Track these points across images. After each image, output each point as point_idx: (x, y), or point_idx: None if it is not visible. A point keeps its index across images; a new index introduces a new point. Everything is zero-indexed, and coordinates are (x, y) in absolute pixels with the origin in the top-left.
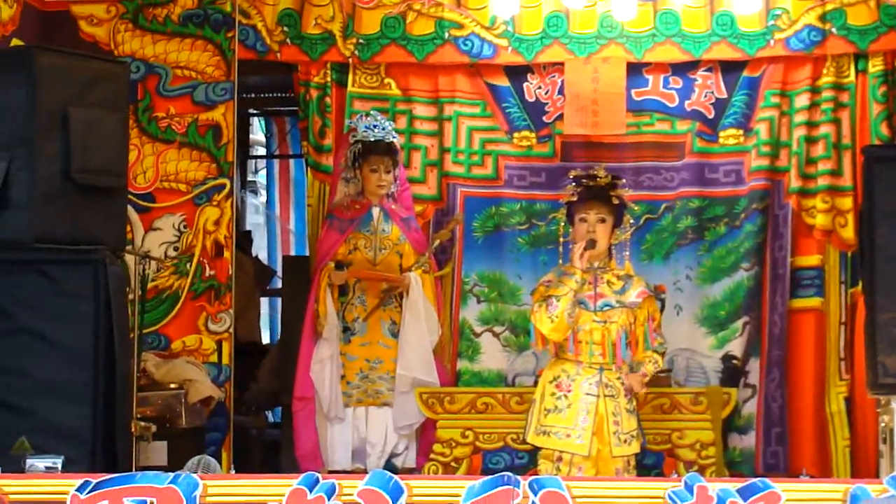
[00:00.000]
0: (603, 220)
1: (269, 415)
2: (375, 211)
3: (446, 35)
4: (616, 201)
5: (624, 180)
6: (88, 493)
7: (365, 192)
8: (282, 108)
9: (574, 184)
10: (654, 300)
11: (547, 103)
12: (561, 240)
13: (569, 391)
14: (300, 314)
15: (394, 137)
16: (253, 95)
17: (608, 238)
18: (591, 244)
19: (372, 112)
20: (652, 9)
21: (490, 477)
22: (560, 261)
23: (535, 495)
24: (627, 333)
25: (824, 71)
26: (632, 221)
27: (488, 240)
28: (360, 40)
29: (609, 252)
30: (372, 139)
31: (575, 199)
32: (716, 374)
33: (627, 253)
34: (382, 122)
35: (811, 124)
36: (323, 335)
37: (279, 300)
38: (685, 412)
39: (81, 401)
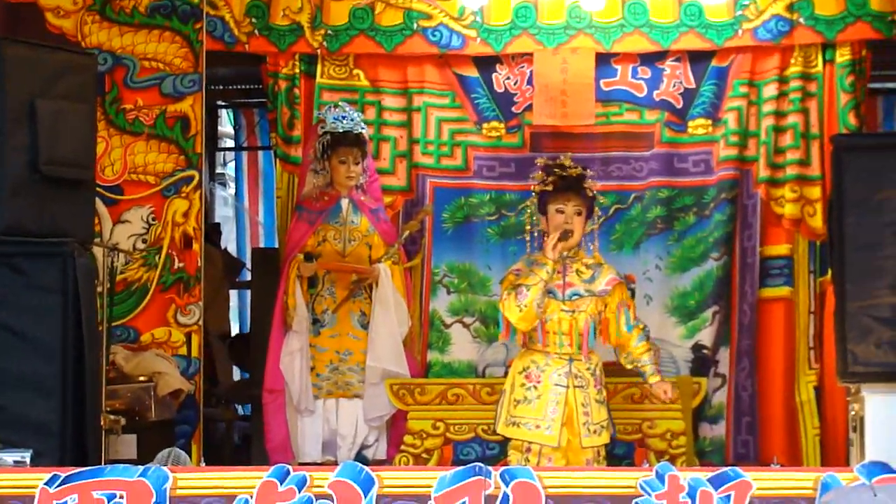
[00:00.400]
0: (580, 213)
1: (239, 407)
2: (344, 202)
3: (415, 26)
4: (591, 193)
5: (591, 171)
6: (58, 486)
7: (334, 183)
8: (250, 100)
9: (544, 173)
10: (625, 287)
11: (516, 94)
12: (528, 228)
13: (538, 382)
14: (269, 306)
15: (362, 128)
16: (221, 87)
17: (582, 229)
18: (566, 235)
19: (340, 103)
20: None
21: (461, 468)
22: (528, 249)
23: (507, 486)
24: (596, 322)
25: (792, 61)
26: (600, 213)
27: (458, 230)
28: (329, 31)
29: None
30: (340, 130)
31: (550, 189)
32: (686, 363)
33: (596, 244)
34: (351, 113)
35: (779, 114)
36: (293, 327)
37: (248, 293)
38: (655, 402)
39: (50, 394)
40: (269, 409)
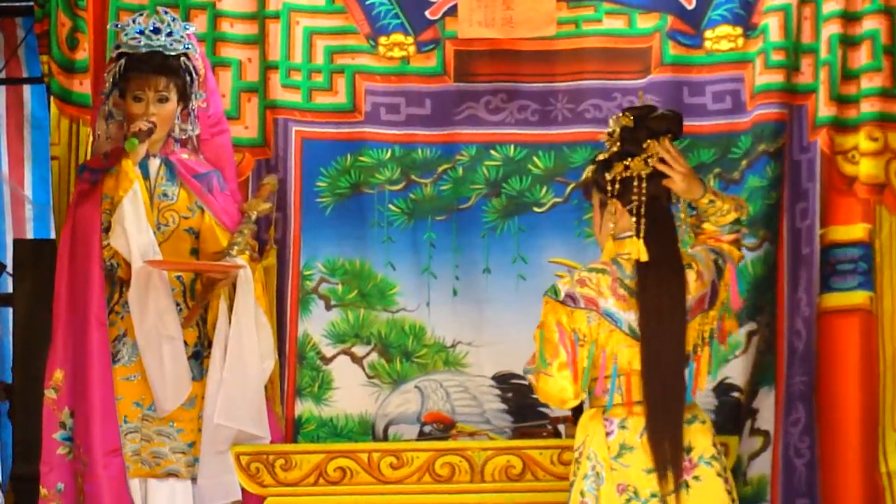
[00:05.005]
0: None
1: None
2: (153, 164)
3: None
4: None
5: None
6: None
7: None
8: (9, 4)
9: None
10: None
11: None
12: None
13: None
14: (45, 330)
15: (186, 48)
16: None
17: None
18: None
19: (157, 9)
20: None
21: None
22: None
23: None
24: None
25: None
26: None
27: (342, 209)
28: None
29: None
30: (142, 50)
31: None
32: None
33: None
34: (169, 24)
35: (850, 16)
36: (134, 263)
37: (9, 311)
38: None
39: None
40: (108, 480)
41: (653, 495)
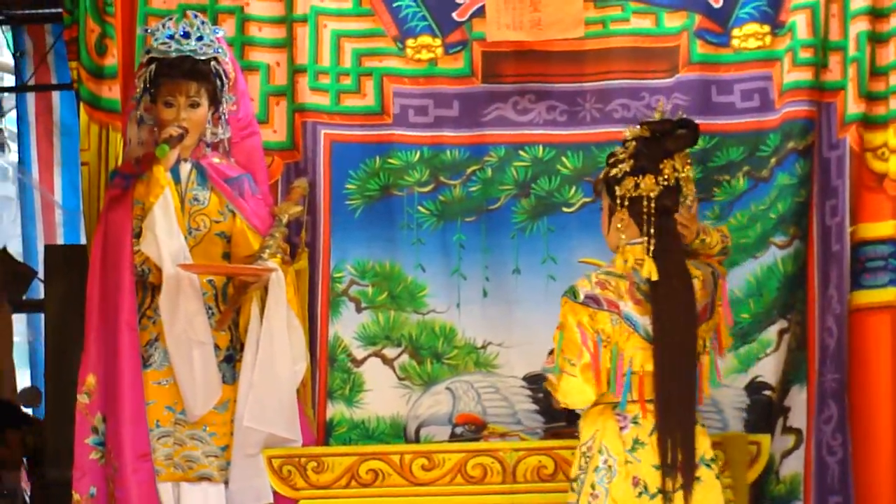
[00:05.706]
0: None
1: None
2: (184, 168)
3: None
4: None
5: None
6: None
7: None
8: (38, 12)
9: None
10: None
11: None
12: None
13: None
14: (77, 336)
15: (217, 51)
16: None
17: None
18: None
19: (189, 14)
20: None
21: None
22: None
23: None
24: None
25: None
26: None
27: (371, 211)
28: None
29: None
30: (172, 55)
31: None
32: (737, 412)
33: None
34: (199, 28)
35: (877, 13)
36: (165, 269)
37: (41, 317)
38: None
39: None
40: (137, 485)
41: (659, 491)
